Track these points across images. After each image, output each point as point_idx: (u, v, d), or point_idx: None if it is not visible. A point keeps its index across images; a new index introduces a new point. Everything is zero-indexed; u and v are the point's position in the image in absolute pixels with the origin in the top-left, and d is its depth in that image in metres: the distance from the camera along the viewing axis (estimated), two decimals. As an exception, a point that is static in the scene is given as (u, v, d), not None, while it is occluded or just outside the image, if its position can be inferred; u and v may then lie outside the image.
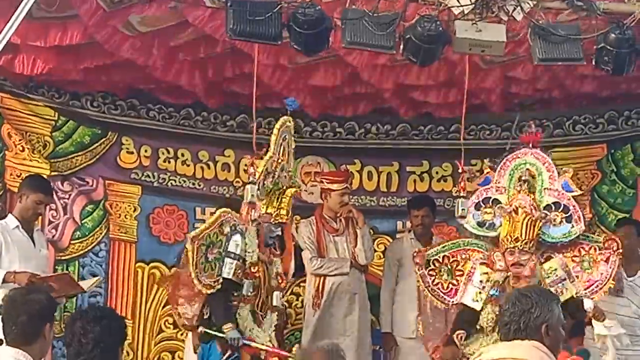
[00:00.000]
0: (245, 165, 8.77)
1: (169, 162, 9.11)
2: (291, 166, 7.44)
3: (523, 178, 7.32)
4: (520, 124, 9.13)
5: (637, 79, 7.89)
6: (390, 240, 9.27)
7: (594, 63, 6.73)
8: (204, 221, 8.92)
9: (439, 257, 7.61)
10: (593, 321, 7.23)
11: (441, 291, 7.58)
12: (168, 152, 9.10)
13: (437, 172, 9.42)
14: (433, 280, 7.57)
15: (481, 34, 6.51)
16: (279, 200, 7.18)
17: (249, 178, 7.67)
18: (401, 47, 6.51)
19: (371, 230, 8.82)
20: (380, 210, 9.36)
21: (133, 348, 8.94)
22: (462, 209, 7.53)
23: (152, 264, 9.11)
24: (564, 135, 9.30)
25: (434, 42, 6.48)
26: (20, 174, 8.52)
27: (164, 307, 9.02)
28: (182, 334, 8.59)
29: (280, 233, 7.28)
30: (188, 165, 9.14)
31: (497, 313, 7.10)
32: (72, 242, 8.89)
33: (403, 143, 9.38)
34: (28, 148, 8.70)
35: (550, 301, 4.06)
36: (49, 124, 8.77)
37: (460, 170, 7.56)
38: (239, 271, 6.95)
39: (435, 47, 6.54)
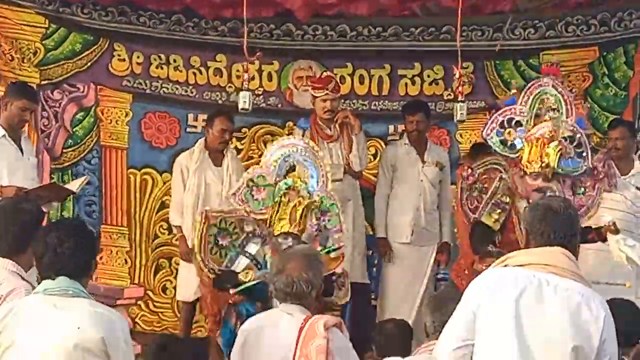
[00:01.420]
0: (238, 70, 8.76)
1: (162, 68, 9.01)
2: None
3: (547, 106, 7.31)
4: (512, 25, 9.12)
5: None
6: (382, 144, 9.28)
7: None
8: (195, 127, 9.03)
9: (477, 173, 7.66)
10: (608, 235, 7.33)
11: (468, 207, 7.65)
12: (160, 58, 8.99)
13: (428, 75, 9.34)
14: (466, 196, 7.64)
15: None
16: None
17: (242, 85, 7.68)
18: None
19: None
20: (371, 114, 9.30)
21: (131, 257, 9.00)
22: (461, 113, 7.57)
23: (143, 170, 9.09)
24: (555, 37, 9.24)
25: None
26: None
27: (157, 212, 9.06)
28: (176, 239, 8.64)
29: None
30: (180, 71, 9.04)
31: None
32: (64, 150, 8.83)
33: (394, 45, 9.31)
34: (18, 57, 8.58)
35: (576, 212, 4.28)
36: (40, 32, 8.64)
37: (456, 75, 7.56)
38: (247, 271, 6.84)
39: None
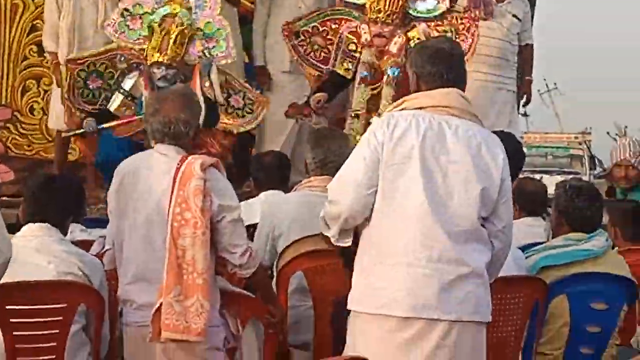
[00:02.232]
0: None
1: None
2: None
3: None
4: None
5: None
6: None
7: None
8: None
9: (309, 28, 7.53)
10: None
11: (314, 60, 7.57)
12: None
13: None
14: (305, 50, 7.54)
15: None
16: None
17: None
18: None
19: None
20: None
21: (-1, 79, 8.79)
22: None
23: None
24: None
25: None
26: None
27: (28, 35, 8.83)
28: (47, 62, 8.50)
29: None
30: None
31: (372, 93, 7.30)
32: None
33: None
34: None
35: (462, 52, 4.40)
36: None
37: None
38: (124, 108, 6.66)
39: None
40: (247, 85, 7.48)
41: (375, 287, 3.93)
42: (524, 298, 4.83)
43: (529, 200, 5.98)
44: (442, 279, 3.88)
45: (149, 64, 6.64)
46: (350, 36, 7.49)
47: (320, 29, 7.55)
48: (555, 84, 52.59)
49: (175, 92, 4.73)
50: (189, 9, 6.77)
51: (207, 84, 6.90)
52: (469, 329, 3.94)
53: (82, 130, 6.87)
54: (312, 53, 7.60)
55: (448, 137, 3.97)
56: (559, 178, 17.40)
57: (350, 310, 4.06)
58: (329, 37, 7.55)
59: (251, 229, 5.60)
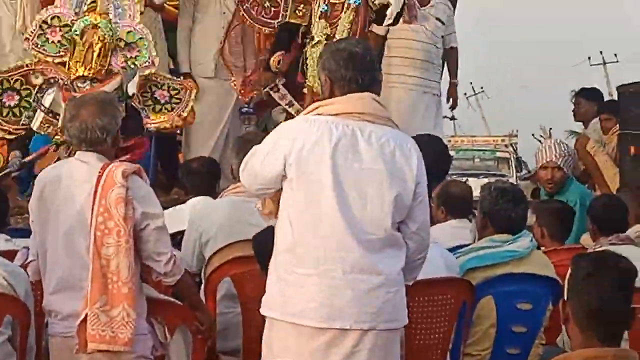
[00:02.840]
0: None
1: None
2: None
3: None
4: None
5: None
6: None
7: None
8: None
9: None
10: None
11: (265, 18, 7.60)
12: None
13: None
14: (257, 12, 7.59)
15: None
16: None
17: None
18: None
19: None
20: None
21: None
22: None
23: None
24: None
25: None
26: None
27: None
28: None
29: None
30: None
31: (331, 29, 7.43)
32: None
33: None
34: None
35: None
36: None
37: None
38: (46, 125, 6.56)
39: None
40: (168, 76, 7.39)
41: (288, 296, 3.93)
42: (451, 299, 4.86)
43: (455, 203, 6.01)
44: (356, 289, 3.88)
45: (72, 78, 6.55)
46: None
47: None
48: (482, 87, 53.21)
49: (93, 98, 4.67)
50: (110, 19, 6.69)
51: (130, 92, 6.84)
52: (383, 335, 3.95)
53: (7, 170, 6.82)
54: (263, 12, 7.68)
55: (361, 145, 3.95)
56: (486, 181, 17.54)
57: None
58: None
59: (179, 236, 5.58)
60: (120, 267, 4.23)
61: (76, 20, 6.52)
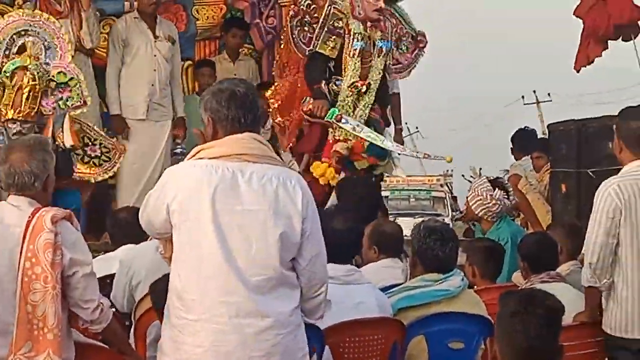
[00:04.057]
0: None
1: None
2: None
3: None
4: None
5: None
6: (117, 22, 8.98)
7: None
8: None
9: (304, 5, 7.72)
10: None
11: (302, 42, 7.62)
12: None
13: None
14: (298, 32, 7.65)
15: None
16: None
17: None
18: None
19: (98, 12, 8.46)
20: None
21: None
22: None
23: None
24: None
25: None
26: None
27: None
28: None
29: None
30: None
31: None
32: None
33: None
34: None
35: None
36: None
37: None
38: None
39: None
40: (102, 133, 7.38)
41: (180, 342, 3.91)
42: (382, 340, 4.84)
43: (387, 242, 6.01)
44: (242, 333, 3.86)
45: (2, 120, 6.50)
46: (336, 12, 7.61)
47: (311, 7, 7.72)
48: (417, 127, 53.59)
49: (24, 142, 4.62)
50: (40, 62, 6.64)
51: (61, 134, 6.80)
52: None
53: None
54: (303, 35, 7.69)
55: (242, 186, 3.94)
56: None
57: None
58: (315, 15, 7.68)
59: (108, 279, 5.53)
60: (47, 313, 4.17)
61: (6, 62, 6.48)
